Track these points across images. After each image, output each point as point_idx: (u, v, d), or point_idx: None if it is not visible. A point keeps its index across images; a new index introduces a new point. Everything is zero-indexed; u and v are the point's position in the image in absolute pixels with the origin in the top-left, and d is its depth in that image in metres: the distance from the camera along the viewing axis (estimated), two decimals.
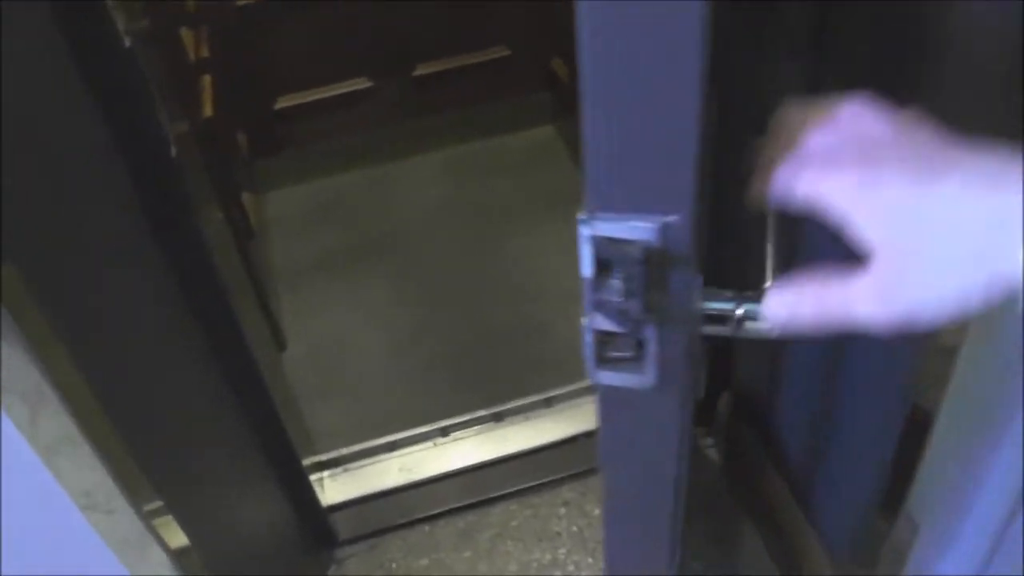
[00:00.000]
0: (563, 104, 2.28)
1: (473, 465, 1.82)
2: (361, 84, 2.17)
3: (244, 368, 1.38)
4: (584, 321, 0.56)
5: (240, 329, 1.32)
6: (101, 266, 0.96)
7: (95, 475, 0.73)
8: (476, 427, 1.87)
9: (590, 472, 1.82)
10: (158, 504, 0.94)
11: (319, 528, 1.73)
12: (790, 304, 0.47)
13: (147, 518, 0.82)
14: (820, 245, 0.56)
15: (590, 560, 1.68)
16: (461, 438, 1.87)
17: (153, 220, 1.08)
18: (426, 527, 1.77)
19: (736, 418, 1.69)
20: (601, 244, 0.51)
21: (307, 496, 1.67)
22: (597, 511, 1.77)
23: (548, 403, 1.89)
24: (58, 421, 0.70)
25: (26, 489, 0.72)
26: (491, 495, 1.79)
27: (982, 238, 0.39)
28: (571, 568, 1.68)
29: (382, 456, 1.84)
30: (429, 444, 1.86)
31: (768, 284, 0.50)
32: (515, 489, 1.80)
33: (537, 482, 1.80)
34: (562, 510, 1.78)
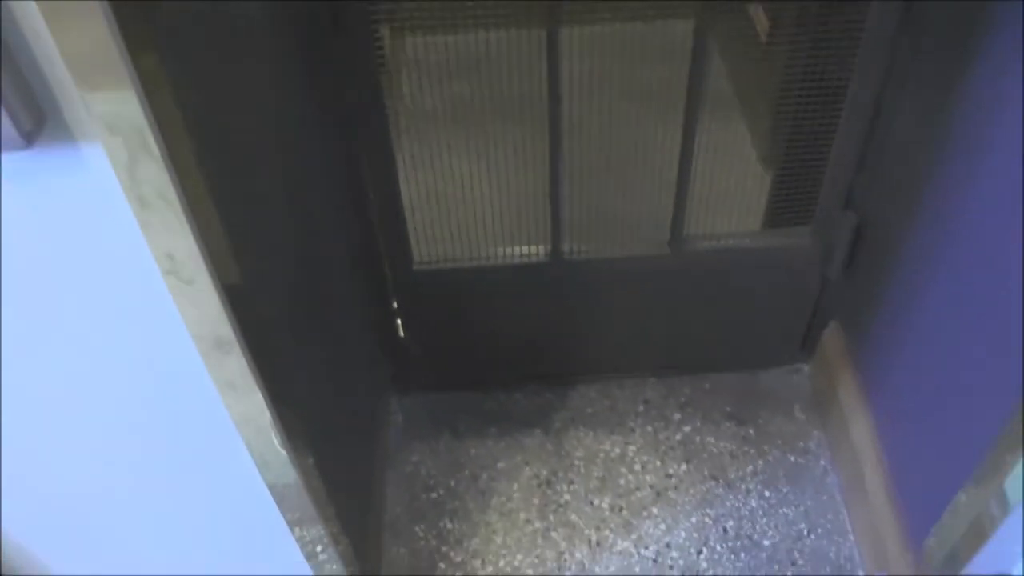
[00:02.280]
0: None
1: None
2: None
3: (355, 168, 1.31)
4: None
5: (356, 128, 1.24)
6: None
7: (183, 240, 0.66)
8: None
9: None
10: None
11: (391, 368, 1.66)
12: None
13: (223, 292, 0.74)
14: None
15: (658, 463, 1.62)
16: None
17: None
18: (502, 396, 1.71)
19: (837, 352, 1.59)
20: None
21: (386, 328, 1.57)
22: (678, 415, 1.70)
23: None
24: (156, 173, 0.62)
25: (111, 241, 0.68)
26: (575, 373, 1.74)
27: None
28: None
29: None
30: None
31: None
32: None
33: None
34: (641, 407, 1.71)
